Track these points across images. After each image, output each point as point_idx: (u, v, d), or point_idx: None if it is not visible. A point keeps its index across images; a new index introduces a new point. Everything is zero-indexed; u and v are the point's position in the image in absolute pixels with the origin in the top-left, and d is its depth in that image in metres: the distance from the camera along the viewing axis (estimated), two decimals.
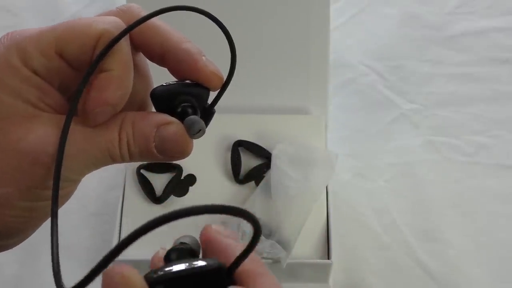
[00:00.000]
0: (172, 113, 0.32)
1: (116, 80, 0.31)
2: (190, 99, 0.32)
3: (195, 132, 0.32)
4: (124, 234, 0.63)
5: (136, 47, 0.33)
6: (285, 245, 0.61)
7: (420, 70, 0.82)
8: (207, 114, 0.33)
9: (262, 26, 0.70)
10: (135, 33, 0.32)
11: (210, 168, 0.67)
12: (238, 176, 0.67)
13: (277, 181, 0.64)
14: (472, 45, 0.84)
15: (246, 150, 0.68)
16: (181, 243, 0.29)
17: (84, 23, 0.31)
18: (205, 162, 0.68)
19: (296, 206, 0.62)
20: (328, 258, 0.62)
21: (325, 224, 0.64)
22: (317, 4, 0.69)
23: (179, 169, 0.67)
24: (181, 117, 0.32)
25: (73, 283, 0.25)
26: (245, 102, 0.71)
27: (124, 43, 0.31)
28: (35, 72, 0.31)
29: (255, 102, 0.71)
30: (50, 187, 0.31)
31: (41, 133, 0.30)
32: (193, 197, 0.66)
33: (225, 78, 0.34)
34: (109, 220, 0.67)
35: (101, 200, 0.71)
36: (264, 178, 0.66)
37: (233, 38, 0.33)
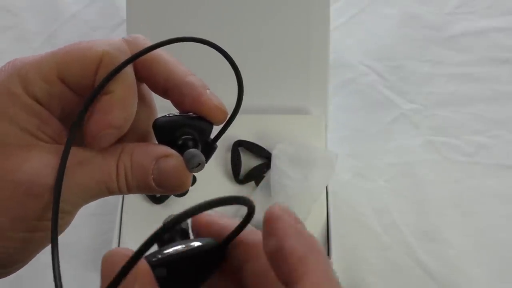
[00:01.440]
0: (173, 145, 0.31)
1: (120, 102, 0.30)
2: (192, 132, 0.32)
3: (194, 166, 0.31)
4: (124, 234, 0.63)
5: (140, 78, 0.33)
6: None
7: (420, 70, 0.82)
8: (209, 148, 0.33)
9: (262, 26, 0.70)
10: (139, 65, 0.32)
11: (210, 168, 0.67)
12: (238, 176, 0.67)
13: (277, 181, 0.64)
14: (472, 45, 0.84)
15: (246, 150, 0.68)
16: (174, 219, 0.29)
17: (84, 46, 0.31)
18: (207, 165, 0.67)
19: (296, 206, 0.62)
20: (328, 258, 0.62)
21: (325, 224, 0.64)
22: (317, 4, 0.69)
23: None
24: (182, 149, 0.31)
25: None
26: (245, 102, 0.71)
27: (128, 66, 0.31)
28: (36, 99, 0.30)
29: (255, 102, 0.71)
30: (45, 218, 0.30)
31: (37, 163, 0.30)
32: (193, 197, 0.66)
33: (230, 112, 0.33)
34: (109, 220, 0.67)
35: (101, 200, 0.70)
36: (264, 178, 0.66)
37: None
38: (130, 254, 0.23)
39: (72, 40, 0.94)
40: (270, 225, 0.26)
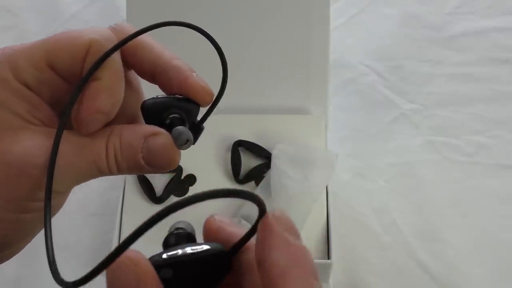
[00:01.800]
0: (161, 126, 0.32)
1: (107, 88, 0.31)
2: (179, 111, 0.32)
3: (183, 143, 0.32)
4: (124, 234, 0.63)
5: (127, 65, 0.33)
6: None
7: (420, 70, 0.82)
8: (196, 129, 0.33)
9: (262, 26, 0.70)
10: (126, 51, 0.33)
11: (210, 168, 0.68)
12: (238, 176, 0.67)
13: (277, 181, 0.64)
14: (472, 45, 0.84)
15: (246, 150, 0.68)
16: (177, 228, 0.29)
17: (73, 34, 0.32)
18: (205, 162, 0.68)
19: (296, 206, 0.62)
20: (328, 258, 0.62)
21: (325, 224, 0.64)
22: (317, 4, 0.69)
23: (179, 169, 0.67)
24: (170, 128, 0.32)
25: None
26: (245, 102, 0.71)
27: (115, 53, 0.32)
28: (26, 85, 0.31)
29: (255, 102, 0.71)
30: (37, 199, 0.30)
31: (28, 144, 0.30)
32: None
33: (216, 94, 0.34)
34: (109, 220, 0.67)
35: (101, 200, 0.71)
36: (264, 178, 0.66)
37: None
38: (133, 255, 0.24)
39: None
40: (260, 233, 0.26)
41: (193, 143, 0.32)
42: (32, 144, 0.30)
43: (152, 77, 0.34)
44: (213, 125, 0.73)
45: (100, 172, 0.31)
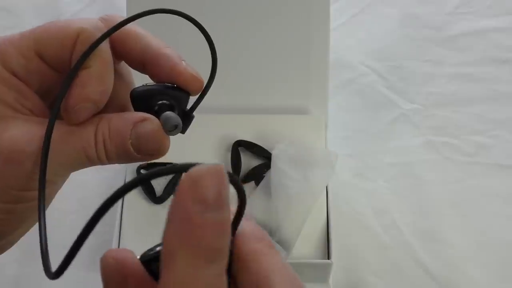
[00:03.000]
0: (150, 113, 0.32)
1: (96, 76, 0.31)
2: (168, 98, 0.32)
3: (172, 128, 0.32)
4: (124, 234, 0.63)
5: (117, 55, 0.33)
6: (285, 245, 0.61)
7: (420, 70, 0.82)
8: (186, 118, 0.33)
9: (262, 26, 0.70)
10: (116, 41, 0.32)
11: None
12: (238, 176, 0.67)
13: (277, 181, 0.64)
14: (472, 45, 0.84)
15: (246, 150, 0.68)
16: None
17: (62, 24, 0.32)
18: (205, 162, 0.67)
19: (296, 206, 0.62)
20: (328, 258, 0.62)
21: (325, 224, 0.64)
22: (317, 4, 0.69)
23: None
24: (159, 115, 0.32)
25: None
26: (245, 102, 0.71)
27: (103, 42, 0.32)
28: (14, 74, 0.31)
29: (255, 102, 0.71)
30: (27, 188, 0.30)
31: (17, 133, 0.30)
32: None
33: (205, 82, 0.34)
34: (109, 220, 0.67)
35: (101, 200, 0.71)
36: (264, 178, 0.66)
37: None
38: (119, 255, 0.24)
39: None
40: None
41: (183, 132, 0.32)
42: (21, 132, 0.30)
43: (142, 67, 0.33)
44: (213, 125, 0.73)
45: (89, 160, 0.31)
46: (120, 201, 0.65)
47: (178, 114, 0.32)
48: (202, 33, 0.33)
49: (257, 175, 0.67)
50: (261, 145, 0.68)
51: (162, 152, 0.32)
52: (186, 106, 0.33)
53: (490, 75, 0.81)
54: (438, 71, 0.82)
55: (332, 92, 0.74)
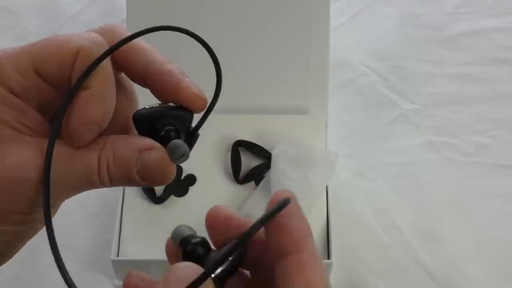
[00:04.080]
0: (155, 137, 0.31)
1: (98, 97, 0.30)
2: (174, 122, 0.31)
3: (179, 157, 0.31)
4: (124, 234, 0.63)
5: (118, 67, 0.32)
6: None
7: (420, 70, 0.82)
8: (191, 137, 0.32)
9: (262, 26, 0.70)
10: (117, 54, 0.31)
11: (210, 168, 0.68)
12: (238, 176, 0.67)
13: (277, 181, 0.64)
14: (472, 45, 0.84)
15: (246, 150, 0.68)
16: (191, 235, 0.28)
17: (61, 40, 0.31)
18: (205, 162, 0.68)
19: None
20: (328, 258, 0.62)
21: (325, 224, 0.64)
22: (317, 4, 0.69)
23: (179, 169, 0.67)
24: (164, 141, 0.31)
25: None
26: (245, 102, 0.71)
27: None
28: (12, 91, 0.30)
29: (255, 102, 0.71)
30: (27, 213, 0.30)
31: (18, 158, 0.29)
32: (193, 197, 0.66)
33: (209, 100, 0.33)
34: (109, 220, 0.67)
35: (101, 200, 0.71)
36: (264, 178, 0.66)
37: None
38: (196, 271, 0.25)
39: None
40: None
41: (189, 153, 0.31)
42: (21, 157, 0.29)
43: (143, 81, 0.33)
44: (213, 125, 0.73)
45: (91, 184, 0.30)
46: (120, 201, 0.65)
47: (183, 135, 0.32)
48: (207, 50, 0.32)
49: (257, 175, 0.67)
50: (261, 145, 0.68)
51: (167, 180, 0.31)
52: (190, 125, 0.32)
53: (490, 75, 0.81)
54: (438, 71, 0.82)
55: (332, 92, 0.74)
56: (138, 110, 0.32)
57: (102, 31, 0.32)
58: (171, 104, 0.32)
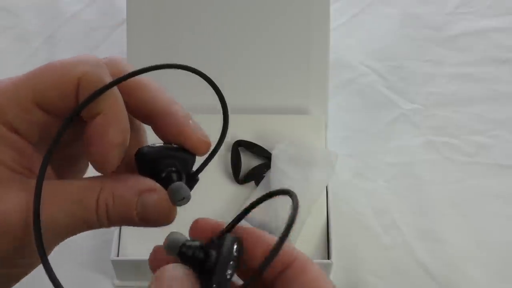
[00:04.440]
0: (156, 177, 0.31)
1: (113, 118, 0.29)
2: (176, 163, 0.31)
3: (179, 200, 0.30)
4: (124, 234, 0.63)
5: None
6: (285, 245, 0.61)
7: (420, 70, 0.82)
8: (191, 180, 0.32)
9: (262, 26, 0.70)
10: (121, 89, 0.30)
11: (210, 168, 0.67)
12: (238, 176, 0.67)
13: (277, 181, 0.64)
14: (472, 45, 0.84)
15: (246, 150, 0.68)
16: (188, 241, 0.28)
17: (60, 69, 0.29)
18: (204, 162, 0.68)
19: None
20: (328, 258, 0.62)
21: (325, 224, 0.64)
22: (317, 4, 0.69)
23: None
24: (166, 182, 0.30)
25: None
26: (245, 102, 0.71)
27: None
28: (12, 128, 0.29)
29: (255, 102, 0.71)
30: (19, 256, 0.29)
31: (11, 206, 0.28)
32: (193, 197, 0.66)
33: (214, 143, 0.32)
34: None
35: None
36: (264, 178, 0.66)
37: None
38: (185, 272, 0.26)
39: (72, 40, 0.94)
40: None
41: (190, 196, 0.31)
42: (14, 202, 0.28)
43: (146, 119, 0.32)
44: (213, 125, 0.73)
45: (88, 227, 0.30)
46: None
47: (184, 178, 0.31)
48: (214, 89, 0.32)
49: (257, 175, 0.67)
50: (261, 145, 0.68)
51: (168, 222, 0.31)
52: (192, 168, 0.32)
53: (490, 75, 0.81)
54: (438, 71, 0.82)
55: (332, 92, 0.74)
56: (141, 148, 0.31)
57: (105, 63, 0.31)
58: (174, 144, 0.31)
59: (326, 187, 0.65)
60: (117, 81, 0.29)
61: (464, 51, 0.83)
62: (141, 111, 0.31)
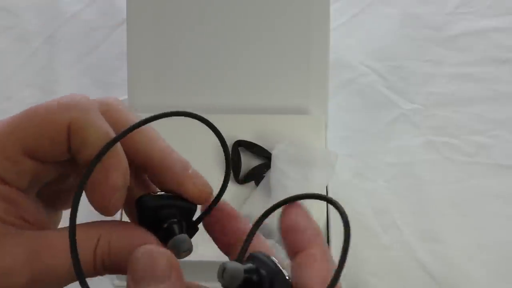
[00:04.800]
0: (157, 227, 0.30)
1: (115, 162, 0.29)
2: (177, 214, 0.30)
3: (182, 252, 0.30)
4: None
5: None
6: None
7: (420, 70, 0.82)
8: (191, 230, 0.31)
9: (262, 26, 0.70)
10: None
11: (210, 168, 0.67)
12: (238, 176, 0.67)
13: (277, 181, 0.64)
14: (472, 45, 0.84)
15: (246, 150, 0.68)
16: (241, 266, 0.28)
17: (47, 116, 0.28)
18: (205, 162, 0.68)
19: None
20: None
21: (325, 224, 0.64)
22: (317, 4, 0.69)
23: None
24: (167, 234, 0.30)
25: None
26: (245, 102, 0.71)
27: (100, 122, 0.28)
28: (2, 179, 0.28)
29: (255, 102, 0.71)
30: None
31: (9, 260, 0.27)
32: None
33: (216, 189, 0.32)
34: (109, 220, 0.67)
35: None
36: (264, 178, 0.66)
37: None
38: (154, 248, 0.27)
39: (72, 40, 0.94)
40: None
41: (192, 248, 0.30)
42: (12, 258, 0.27)
43: (142, 168, 0.31)
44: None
45: (86, 276, 0.29)
46: None
47: (185, 228, 0.31)
48: (217, 136, 0.31)
49: (257, 175, 0.67)
50: (261, 145, 0.68)
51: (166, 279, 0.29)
52: (193, 216, 0.31)
53: (490, 75, 0.81)
54: (438, 71, 0.82)
55: (332, 92, 0.74)
56: (142, 196, 0.30)
57: (100, 104, 0.30)
58: (175, 194, 0.31)
59: (326, 187, 0.65)
60: (121, 136, 0.28)
61: (464, 51, 0.83)
62: (137, 160, 0.30)
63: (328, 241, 0.63)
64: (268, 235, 0.61)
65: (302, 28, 0.69)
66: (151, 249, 0.27)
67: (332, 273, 0.27)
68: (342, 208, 0.28)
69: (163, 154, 0.30)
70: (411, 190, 0.72)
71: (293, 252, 0.29)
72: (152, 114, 0.28)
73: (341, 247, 0.26)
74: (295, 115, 0.70)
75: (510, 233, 0.69)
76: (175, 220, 0.30)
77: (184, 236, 0.30)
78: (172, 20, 0.70)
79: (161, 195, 0.31)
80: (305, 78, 0.71)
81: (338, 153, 0.65)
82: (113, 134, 0.29)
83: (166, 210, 0.30)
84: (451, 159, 0.74)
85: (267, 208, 0.30)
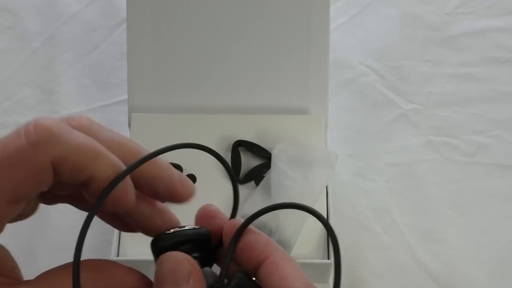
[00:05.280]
0: None
1: (121, 187, 0.28)
2: (194, 248, 0.30)
3: (209, 284, 0.29)
4: (124, 234, 0.63)
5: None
6: (285, 245, 0.61)
7: (420, 70, 0.82)
8: (211, 260, 0.31)
9: (262, 26, 0.70)
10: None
11: (210, 168, 0.67)
12: (238, 176, 0.67)
13: (277, 181, 0.64)
14: (472, 45, 0.84)
15: (246, 150, 0.68)
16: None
17: (25, 159, 0.26)
18: (205, 162, 0.67)
19: None
20: (328, 258, 0.62)
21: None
22: (317, 4, 0.69)
23: (179, 169, 0.67)
24: None
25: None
26: (245, 102, 0.71)
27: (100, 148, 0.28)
28: None
29: (255, 102, 0.71)
30: None
31: None
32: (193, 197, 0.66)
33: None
34: None
35: None
36: (264, 178, 0.66)
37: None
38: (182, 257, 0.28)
39: (72, 40, 0.94)
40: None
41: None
42: None
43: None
44: (213, 125, 0.73)
45: None
46: None
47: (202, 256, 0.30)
48: (226, 169, 0.32)
49: (257, 175, 0.67)
50: (261, 145, 0.68)
51: None
52: (209, 243, 0.31)
53: (490, 75, 0.81)
54: (438, 71, 0.82)
55: (332, 92, 0.74)
56: (157, 237, 0.30)
57: (72, 124, 0.28)
58: (188, 227, 0.31)
59: (326, 187, 0.65)
60: (129, 170, 0.28)
61: (464, 51, 0.83)
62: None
63: (328, 241, 0.63)
64: (268, 236, 0.61)
65: (302, 28, 0.70)
66: (175, 255, 0.28)
67: (299, 272, 0.28)
68: (324, 218, 0.30)
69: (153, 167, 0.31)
70: (411, 190, 0.72)
71: (254, 267, 0.29)
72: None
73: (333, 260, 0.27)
74: (295, 115, 0.70)
75: (510, 233, 0.69)
76: (195, 255, 0.30)
77: (208, 270, 0.30)
78: (172, 20, 0.70)
79: (176, 231, 0.31)
80: (305, 78, 0.71)
81: (338, 153, 0.65)
82: (122, 166, 0.28)
83: (182, 246, 0.30)
84: (451, 159, 0.74)
85: (239, 225, 0.30)
